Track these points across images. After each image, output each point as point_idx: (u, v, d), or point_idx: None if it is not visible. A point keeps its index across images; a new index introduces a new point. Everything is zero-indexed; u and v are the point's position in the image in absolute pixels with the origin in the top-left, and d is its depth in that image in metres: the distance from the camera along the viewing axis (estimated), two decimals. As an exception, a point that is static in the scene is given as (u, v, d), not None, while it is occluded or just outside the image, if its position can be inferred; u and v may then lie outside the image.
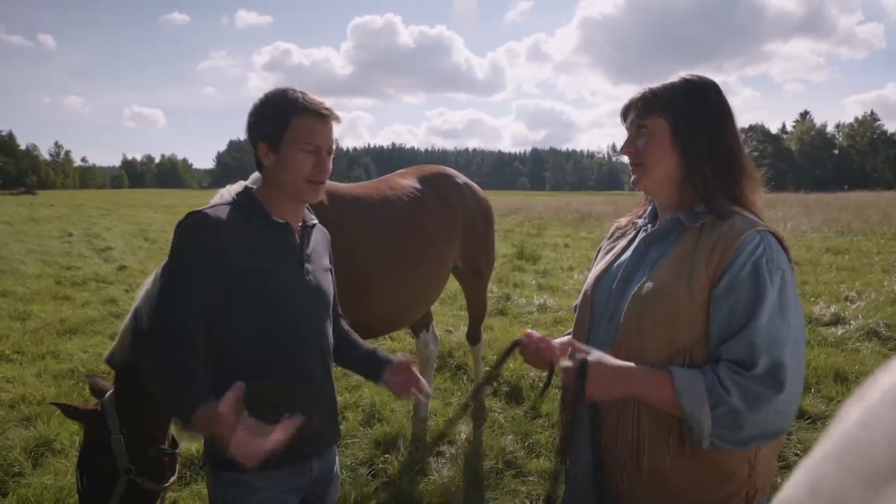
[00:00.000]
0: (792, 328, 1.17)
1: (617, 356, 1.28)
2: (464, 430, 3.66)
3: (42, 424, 3.53)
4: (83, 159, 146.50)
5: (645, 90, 1.32)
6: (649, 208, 1.45)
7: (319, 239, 1.63)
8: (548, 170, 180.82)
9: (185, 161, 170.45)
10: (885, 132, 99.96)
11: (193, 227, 1.38)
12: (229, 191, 2.23)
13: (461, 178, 3.64)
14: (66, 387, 4.28)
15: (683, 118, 1.27)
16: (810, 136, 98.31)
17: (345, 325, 1.76)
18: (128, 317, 2.33)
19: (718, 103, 1.30)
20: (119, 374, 2.21)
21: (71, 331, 5.83)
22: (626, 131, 1.37)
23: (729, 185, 1.28)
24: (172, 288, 1.38)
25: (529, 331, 1.43)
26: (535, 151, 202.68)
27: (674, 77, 1.32)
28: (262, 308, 1.42)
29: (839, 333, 5.44)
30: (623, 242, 1.46)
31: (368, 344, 1.75)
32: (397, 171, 3.56)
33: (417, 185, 3.30)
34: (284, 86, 1.49)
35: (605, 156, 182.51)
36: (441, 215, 3.29)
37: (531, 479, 3.09)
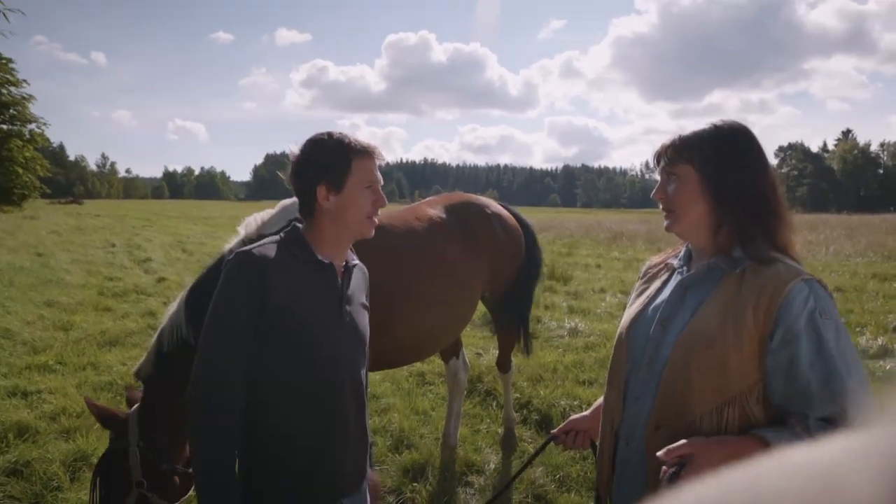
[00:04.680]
0: (860, 377, 1.19)
1: (661, 405, 1.28)
2: (492, 459, 3.61)
3: (81, 438, 3.63)
4: (127, 170, 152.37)
5: (674, 137, 1.34)
6: (683, 250, 1.45)
7: (359, 278, 1.65)
8: (579, 187, 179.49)
9: (223, 173, 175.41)
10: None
11: (238, 269, 1.44)
12: (285, 209, 2.37)
13: (491, 207, 3.61)
14: (105, 399, 4.38)
15: (711, 164, 1.29)
16: (853, 156, 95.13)
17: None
18: (156, 334, 2.44)
19: (748, 147, 1.31)
20: (144, 389, 2.30)
21: (111, 342, 6.00)
22: (658, 177, 1.39)
23: (764, 229, 1.28)
24: (220, 343, 1.42)
25: (558, 430, 1.65)
26: (566, 168, 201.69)
27: (704, 124, 1.34)
28: (299, 347, 1.44)
29: (887, 367, 5.20)
30: (657, 284, 1.46)
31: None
32: (426, 200, 3.58)
33: (443, 215, 3.29)
34: (325, 131, 1.55)
35: (639, 173, 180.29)
36: (467, 246, 3.26)
37: (562, 515, 3.02)
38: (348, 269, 1.57)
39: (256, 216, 2.64)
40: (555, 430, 1.67)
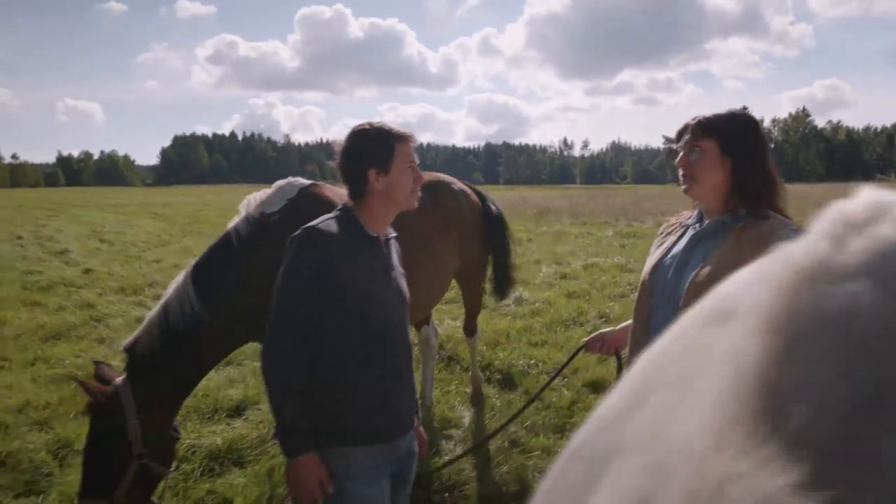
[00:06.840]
0: None
1: None
2: (466, 415, 3.97)
3: (59, 426, 3.61)
4: (13, 156, 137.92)
5: (700, 117, 1.63)
6: (696, 212, 1.77)
7: (396, 248, 1.91)
8: (501, 164, 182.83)
9: (126, 157, 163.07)
10: (815, 127, 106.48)
11: (305, 244, 1.66)
12: (280, 189, 2.49)
13: (457, 185, 3.91)
14: (69, 391, 4.31)
15: (732, 140, 1.59)
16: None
17: None
18: (155, 310, 2.51)
19: (758, 133, 1.66)
20: (136, 363, 2.37)
21: (54, 336, 5.78)
22: (681, 150, 1.69)
23: (768, 195, 1.62)
24: (288, 304, 1.66)
25: (590, 337, 1.97)
26: (488, 146, 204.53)
27: (722, 110, 1.67)
28: (359, 310, 1.69)
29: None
30: (673, 238, 1.77)
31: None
32: None
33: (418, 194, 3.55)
34: (365, 122, 1.79)
35: (557, 150, 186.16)
36: (441, 222, 3.54)
37: (536, 453, 3.43)
38: (388, 241, 1.83)
39: (256, 195, 2.77)
40: (586, 339, 2.00)
